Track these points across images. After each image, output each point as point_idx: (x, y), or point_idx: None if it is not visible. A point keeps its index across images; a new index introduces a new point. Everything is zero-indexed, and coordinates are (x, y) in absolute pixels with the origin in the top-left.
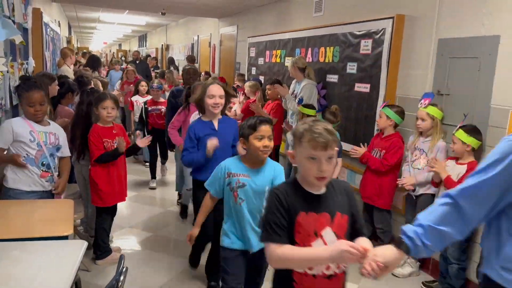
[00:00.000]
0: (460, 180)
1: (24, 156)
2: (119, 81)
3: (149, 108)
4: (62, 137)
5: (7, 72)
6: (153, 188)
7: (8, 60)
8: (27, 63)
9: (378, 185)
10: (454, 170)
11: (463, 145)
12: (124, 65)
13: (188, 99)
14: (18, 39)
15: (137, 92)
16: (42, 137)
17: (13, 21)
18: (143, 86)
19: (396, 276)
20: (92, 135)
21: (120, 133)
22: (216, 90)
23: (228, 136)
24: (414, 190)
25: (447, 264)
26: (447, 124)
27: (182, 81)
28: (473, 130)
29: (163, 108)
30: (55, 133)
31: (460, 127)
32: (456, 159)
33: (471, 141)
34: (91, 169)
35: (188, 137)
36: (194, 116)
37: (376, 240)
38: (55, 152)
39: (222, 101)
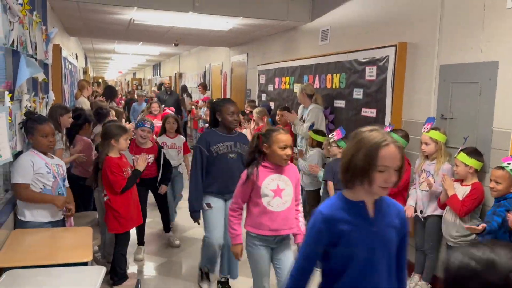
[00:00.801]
0: (464, 199)
1: (41, 188)
2: (141, 114)
3: (134, 157)
4: (65, 168)
5: (30, 107)
6: (139, 260)
7: (31, 96)
8: (47, 97)
9: None
10: (459, 190)
11: (466, 167)
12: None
13: (257, 158)
14: (40, 76)
15: (164, 130)
16: (55, 169)
17: (36, 59)
18: (170, 123)
19: None
20: (114, 167)
21: (127, 161)
22: (396, 155)
23: (390, 233)
24: (421, 212)
25: None
26: (451, 147)
27: (193, 107)
28: (474, 152)
29: (150, 158)
30: (61, 164)
31: (461, 150)
32: (461, 181)
33: (473, 162)
34: (111, 199)
35: (314, 238)
36: (269, 184)
37: None
38: (63, 182)
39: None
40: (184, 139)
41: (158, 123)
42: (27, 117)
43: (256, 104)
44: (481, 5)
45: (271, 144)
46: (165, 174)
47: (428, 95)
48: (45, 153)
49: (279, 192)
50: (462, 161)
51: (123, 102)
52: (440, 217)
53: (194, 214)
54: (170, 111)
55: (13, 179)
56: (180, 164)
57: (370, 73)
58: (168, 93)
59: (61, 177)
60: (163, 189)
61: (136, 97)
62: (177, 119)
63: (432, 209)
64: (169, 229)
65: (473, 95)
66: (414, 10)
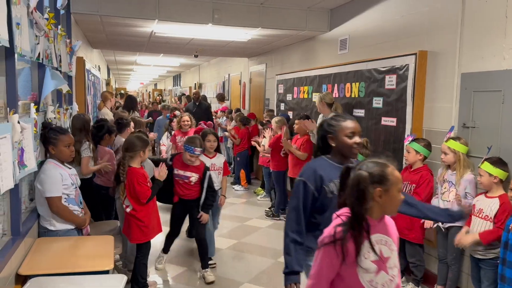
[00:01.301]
0: (497, 220)
1: (65, 198)
2: (166, 133)
3: (176, 172)
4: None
5: (54, 118)
6: (159, 269)
7: (55, 107)
8: (71, 108)
9: (409, 219)
10: (485, 203)
11: (490, 177)
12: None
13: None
14: (65, 88)
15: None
16: (74, 179)
17: (60, 71)
18: (211, 141)
19: None
20: (140, 178)
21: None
22: None
23: None
24: (443, 223)
25: None
26: (474, 157)
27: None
28: (499, 162)
29: (193, 177)
30: (76, 174)
31: (485, 160)
32: (485, 192)
33: (498, 172)
34: (136, 208)
35: None
36: (368, 252)
37: (410, 274)
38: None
39: None
40: (224, 158)
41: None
42: (46, 128)
43: (275, 113)
44: (503, 12)
45: (390, 187)
46: (207, 199)
47: (449, 103)
48: (62, 163)
49: (384, 264)
50: (486, 170)
51: (146, 114)
52: (461, 227)
53: (292, 277)
54: (207, 126)
55: (48, 193)
56: (221, 188)
57: (390, 81)
58: (197, 103)
59: (78, 186)
60: (204, 217)
61: (160, 109)
62: (217, 136)
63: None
64: (207, 265)
65: (496, 103)
66: (434, 18)
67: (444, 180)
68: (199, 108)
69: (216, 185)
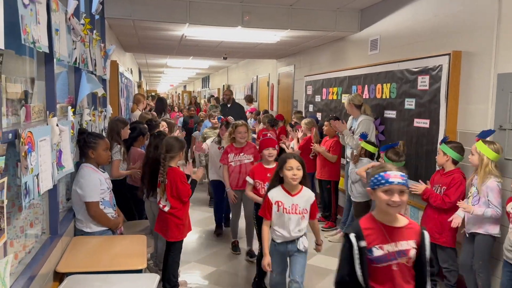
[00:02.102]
0: None
1: (101, 201)
2: (212, 142)
3: (378, 253)
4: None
5: (90, 120)
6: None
7: (91, 110)
8: (105, 111)
9: (439, 222)
10: None
11: None
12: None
13: None
14: (100, 91)
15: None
16: (109, 182)
17: (95, 75)
18: (293, 168)
19: None
20: (183, 177)
21: None
22: None
23: None
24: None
25: None
26: (511, 160)
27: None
28: None
29: (412, 251)
30: (109, 177)
31: None
32: None
33: None
34: (177, 207)
35: None
36: None
37: (443, 279)
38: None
39: None
40: (313, 195)
41: (247, 158)
42: (84, 133)
43: (303, 115)
44: None
45: None
46: None
47: (484, 105)
48: (97, 167)
49: None
50: None
51: (180, 118)
52: (493, 237)
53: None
54: (272, 134)
55: (88, 198)
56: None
57: (423, 82)
58: (228, 105)
59: (111, 189)
60: None
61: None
62: (303, 161)
63: (476, 227)
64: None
65: None
66: (469, 18)
67: (472, 184)
68: (231, 110)
69: (297, 234)
